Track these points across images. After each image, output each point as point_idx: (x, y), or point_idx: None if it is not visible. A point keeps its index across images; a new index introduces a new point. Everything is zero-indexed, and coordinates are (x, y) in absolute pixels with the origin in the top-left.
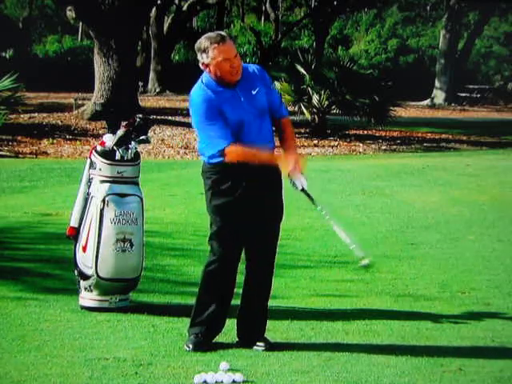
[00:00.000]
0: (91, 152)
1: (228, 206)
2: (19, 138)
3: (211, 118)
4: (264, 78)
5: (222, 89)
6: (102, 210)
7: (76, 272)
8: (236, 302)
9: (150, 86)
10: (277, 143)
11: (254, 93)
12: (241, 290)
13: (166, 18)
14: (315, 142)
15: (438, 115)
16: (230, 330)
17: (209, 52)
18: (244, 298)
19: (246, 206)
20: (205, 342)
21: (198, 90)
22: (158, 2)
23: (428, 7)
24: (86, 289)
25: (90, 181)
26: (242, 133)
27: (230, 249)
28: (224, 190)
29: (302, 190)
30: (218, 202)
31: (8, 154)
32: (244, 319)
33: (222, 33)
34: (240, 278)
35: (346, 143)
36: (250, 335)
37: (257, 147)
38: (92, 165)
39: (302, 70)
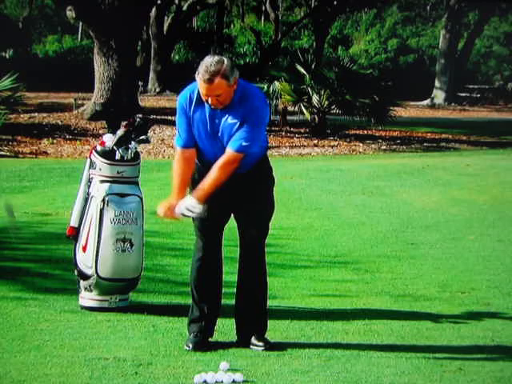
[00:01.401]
0: (91, 152)
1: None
2: (19, 137)
3: (180, 117)
4: (252, 111)
5: (203, 103)
6: (101, 210)
7: (76, 272)
8: (233, 301)
9: (149, 85)
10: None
11: (230, 122)
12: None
13: (166, 18)
14: (315, 141)
15: (438, 115)
16: (229, 330)
17: (198, 77)
18: (237, 296)
19: (220, 200)
20: (205, 342)
21: (186, 90)
22: (158, 1)
23: (428, 7)
24: (85, 289)
25: (89, 181)
26: (200, 152)
27: (209, 243)
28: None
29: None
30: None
31: (8, 153)
32: (240, 319)
33: (215, 71)
34: (234, 278)
35: (346, 143)
36: (248, 334)
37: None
38: (92, 165)
39: (302, 70)
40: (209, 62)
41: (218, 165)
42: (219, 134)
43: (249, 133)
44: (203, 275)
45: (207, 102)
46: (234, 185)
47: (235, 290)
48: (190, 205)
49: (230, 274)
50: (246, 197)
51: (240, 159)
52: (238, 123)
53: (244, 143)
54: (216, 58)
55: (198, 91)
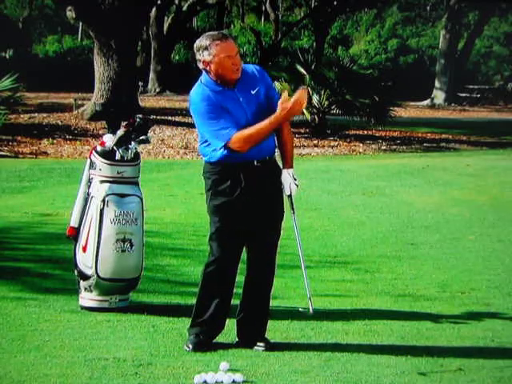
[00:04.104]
0: (91, 152)
1: (227, 206)
2: (19, 138)
3: (213, 114)
4: (264, 78)
5: (221, 88)
6: (101, 210)
7: (76, 272)
8: (236, 301)
9: (150, 85)
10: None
11: (253, 93)
12: (241, 290)
13: (166, 18)
14: (315, 142)
15: (438, 115)
16: (229, 330)
17: (211, 49)
18: (244, 299)
19: (245, 207)
20: (205, 342)
21: (197, 89)
22: (158, 2)
23: (428, 7)
24: (85, 289)
25: (89, 181)
26: None
27: (228, 249)
28: (223, 190)
29: (289, 196)
30: (217, 203)
31: (8, 154)
32: (244, 319)
33: (223, 31)
34: (240, 278)
35: (346, 143)
36: (250, 335)
37: (256, 147)
38: (92, 165)
39: (302, 70)
40: (206, 34)
41: (289, 134)
42: (250, 110)
43: (278, 93)
44: (220, 286)
45: (231, 70)
46: (259, 183)
47: (236, 290)
48: (294, 175)
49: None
50: (270, 197)
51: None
52: (260, 94)
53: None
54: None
55: (208, 84)
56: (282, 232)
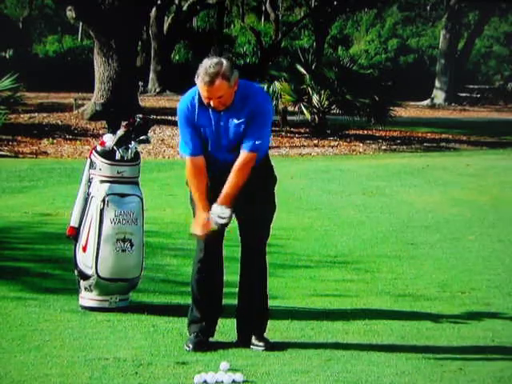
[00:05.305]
0: (91, 152)
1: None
2: (19, 138)
3: (184, 125)
4: (257, 110)
5: (205, 107)
6: (102, 210)
7: (76, 272)
8: (235, 301)
9: (150, 85)
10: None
11: (236, 122)
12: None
13: (166, 17)
14: (315, 141)
15: (438, 115)
16: (229, 330)
17: (198, 80)
18: (239, 297)
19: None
20: (205, 342)
21: (185, 96)
22: (158, 2)
23: (428, 7)
24: (86, 289)
25: (90, 181)
26: (207, 156)
27: (210, 244)
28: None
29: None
30: (193, 208)
31: (8, 154)
32: (241, 318)
33: (215, 72)
34: (235, 277)
35: (346, 143)
36: (249, 334)
37: (217, 174)
38: (92, 165)
39: (302, 70)
40: (208, 63)
41: (236, 168)
42: (226, 136)
43: (259, 131)
44: (204, 276)
45: (209, 104)
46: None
47: (236, 289)
48: (221, 212)
49: (231, 273)
50: (249, 198)
51: (255, 158)
52: (244, 122)
53: (257, 142)
54: (215, 59)
55: (199, 95)
56: (272, 231)
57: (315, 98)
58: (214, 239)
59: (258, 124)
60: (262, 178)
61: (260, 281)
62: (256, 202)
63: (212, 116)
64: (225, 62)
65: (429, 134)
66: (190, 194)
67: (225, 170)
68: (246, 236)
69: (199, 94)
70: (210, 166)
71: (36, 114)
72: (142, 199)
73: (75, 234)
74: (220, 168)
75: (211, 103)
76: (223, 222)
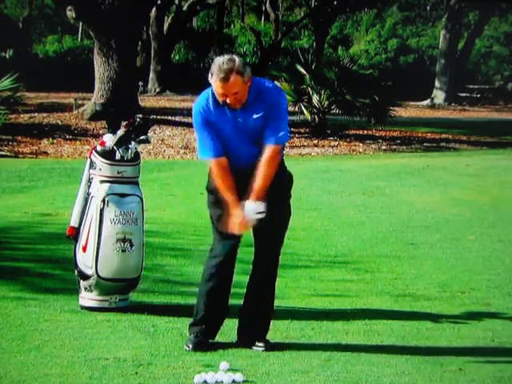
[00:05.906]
0: (91, 152)
1: (217, 203)
2: (19, 138)
3: (202, 127)
4: (272, 103)
5: (221, 106)
6: (102, 210)
7: (76, 272)
8: (237, 301)
9: (150, 85)
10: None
11: (254, 117)
12: (241, 290)
13: (166, 17)
14: (315, 142)
15: (438, 115)
16: (230, 329)
17: (212, 79)
18: (246, 299)
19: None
20: (205, 342)
21: (200, 97)
22: (158, 2)
23: (428, 7)
24: (86, 289)
25: (90, 181)
26: (230, 153)
27: (225, 247)
28: (219, 200)
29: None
30: (214, 211)
31: (8, 154)
32: (245, 320)
33: (229, 68)
34: (245, 278)
35: (346, 143)
36: (251, 336)
37: (243, 169)
38: (92, 165)
39: (302, 70)
40: (221, 60)
41: (265, 162)
42: (246, 132)
43: (278, 123)
44: (218, 282)
45: (225, 102)
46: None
47: (239, 290)
48: (256, 207)
49: (236, 274)
50: (268, 202)
51: (281, 150)
52: (262, 116)
53: (280, 134)
54: (227, 56)
55: (213, 96)
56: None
57: (315, 98)
58: (233, 244)
59: (277, 116)
60: (281, 183)
61: (270, 285)
62: (273, 205)
63: (229, 114)
64: (237, 58)
65: (429, 134)
66: (210, 197)
67: (251, 164)
68: (260, 240)
69: (213, 95)
70: (232, 164)
71: (36, 114)
72: (142, 199)
73: (75, 234)
74: (246, 162)
75: (227, 100)
76: (260, 216)
